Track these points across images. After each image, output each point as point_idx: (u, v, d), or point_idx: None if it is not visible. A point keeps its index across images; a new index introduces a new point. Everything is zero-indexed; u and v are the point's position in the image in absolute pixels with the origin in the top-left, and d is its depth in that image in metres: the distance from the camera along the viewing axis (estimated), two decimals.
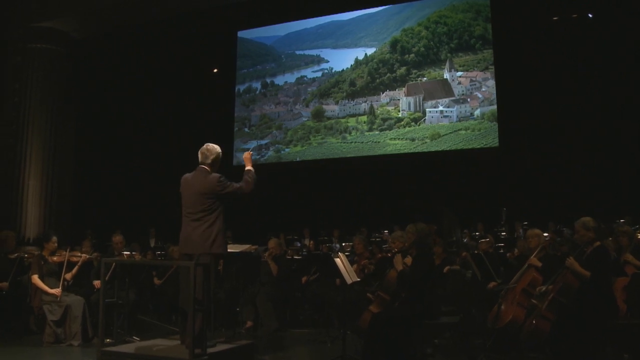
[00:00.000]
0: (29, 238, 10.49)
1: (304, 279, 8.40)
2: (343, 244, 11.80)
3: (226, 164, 13.10)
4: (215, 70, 15.73)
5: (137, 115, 14.42)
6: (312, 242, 12.35)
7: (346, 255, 8.89)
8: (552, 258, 6.08)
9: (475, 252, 6.21)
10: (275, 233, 13.12)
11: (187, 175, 5.15)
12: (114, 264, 6.27)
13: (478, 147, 12.27)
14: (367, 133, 13.48)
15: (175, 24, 13.23)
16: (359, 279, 5.89)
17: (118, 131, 14.28)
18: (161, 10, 11.55)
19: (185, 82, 14.83)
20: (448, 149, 12.56)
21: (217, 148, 5.16)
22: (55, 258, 6.87)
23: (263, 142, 14.72)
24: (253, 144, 14.78)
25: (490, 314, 5.83)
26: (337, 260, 5.71)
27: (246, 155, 5.35)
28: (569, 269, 5.04)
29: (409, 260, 5.50)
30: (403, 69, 13.35)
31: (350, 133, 13.69)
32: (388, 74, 13.51)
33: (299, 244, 12.02)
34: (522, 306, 5.56)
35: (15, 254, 7.59)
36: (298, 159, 14.23)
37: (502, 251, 8.13)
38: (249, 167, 5.18)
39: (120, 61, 13.85)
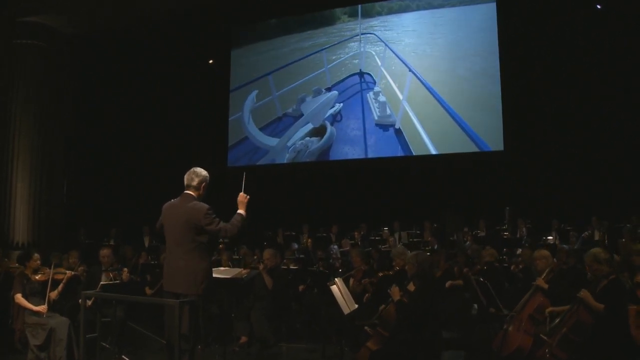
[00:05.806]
0: (18, 242, 10.14)
1: (301, 287, 8.12)
2: (342, 240, 11.61)
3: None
4: (210, 62, 15.30)
5: (129, 112, 14.11)
6: (310, 239, 12.09)
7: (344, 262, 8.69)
8: (558, 274, 5.77)
9: (481, 279, 5.84)
10: (274, 230, 12.96)
11: (171, 201, 4.66)
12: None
13: (482, 149, 11.97)
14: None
15: (172, 20, 12.81)
16: (357, 306, 5.56)
17: (110, 129, 13.99)
18: (153, 6, 11.03)
19: (178, 80, 14.47)
20: (452, 152, 12.29)
21: (203, 172, 4.66)
22: (38, 277, 6.43)
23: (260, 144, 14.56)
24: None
25: (495, 339, 5.55)
26: (334, 287, 5.37)
27: (241, 198, 4.70)
28: (581, 302, 4.71)
29: (412, 287, 5.16)
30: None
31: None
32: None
33: (296, 245, 11.73)
34: (528, 334, 5.31)
35: None
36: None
37: (506, 264, 7.83)
38: (240, 211, 4.64)
39: (112, 58, 13.50)
